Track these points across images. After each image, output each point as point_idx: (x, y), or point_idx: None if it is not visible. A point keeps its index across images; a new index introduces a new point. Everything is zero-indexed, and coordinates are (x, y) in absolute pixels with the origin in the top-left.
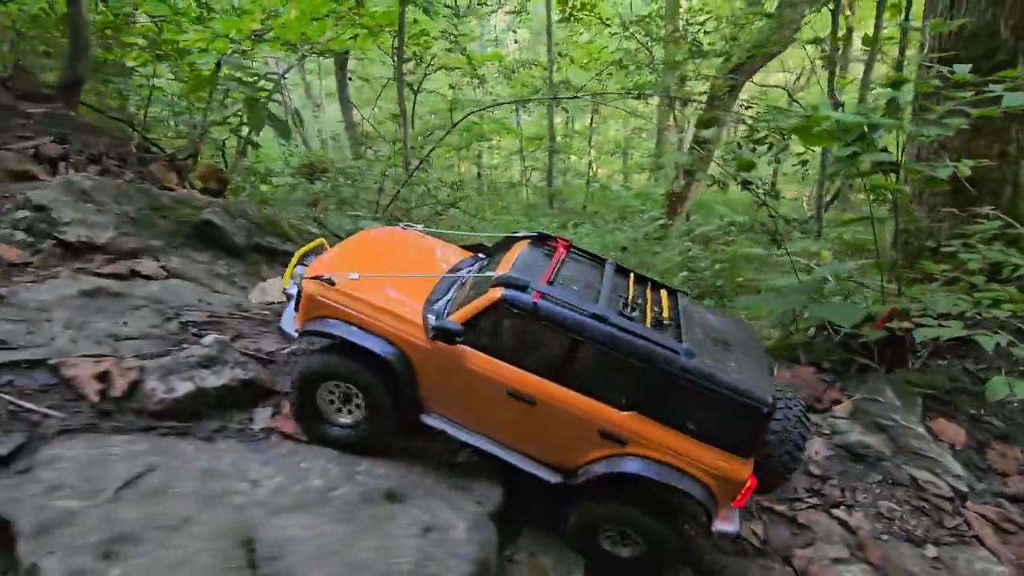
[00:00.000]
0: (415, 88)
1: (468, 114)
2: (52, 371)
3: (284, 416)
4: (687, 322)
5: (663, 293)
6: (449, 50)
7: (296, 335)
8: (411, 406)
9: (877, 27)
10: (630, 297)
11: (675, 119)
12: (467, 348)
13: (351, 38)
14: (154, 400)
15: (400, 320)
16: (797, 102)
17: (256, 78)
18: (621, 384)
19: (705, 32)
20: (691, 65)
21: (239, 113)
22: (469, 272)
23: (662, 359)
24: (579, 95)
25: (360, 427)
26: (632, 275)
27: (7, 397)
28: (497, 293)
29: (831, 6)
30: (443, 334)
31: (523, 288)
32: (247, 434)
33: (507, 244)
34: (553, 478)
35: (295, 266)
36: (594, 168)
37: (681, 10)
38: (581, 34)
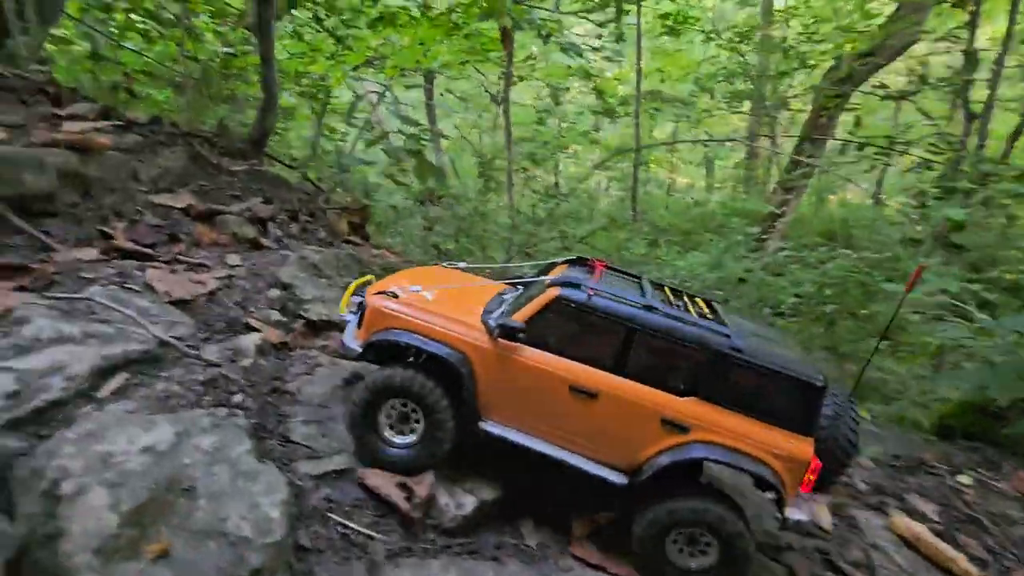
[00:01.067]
0: (498, 99)
1: (640, 148)
2: (357, 482)
3: (573, 536)
4: (728, 319)
5: (700, 300)
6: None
7: (360, 349)
8: (470, 414)
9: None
10: (671, 300)
11: (773, 129)
12: (528, 347)
13: (462, 63)
14: (448, 516)
15: (462, 325)
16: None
17: (419, 127)
18: (678, 370)
19: (809, 39)
20: (792, 75)
21: (395, 159)
22: (516, 292)
23: (714, 341)
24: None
25: (417, 446)
26: (667, 287)
27: (335, 517)
28: (554, 292)
29: (970, 7)
30: (507, 331)
31: (577, 286)
32: (525, 552)
33: (547, 270)
34: (618, 479)
35: (350, 296)
36: (675, 179)
37: (777, 14)
38: (670, 44)
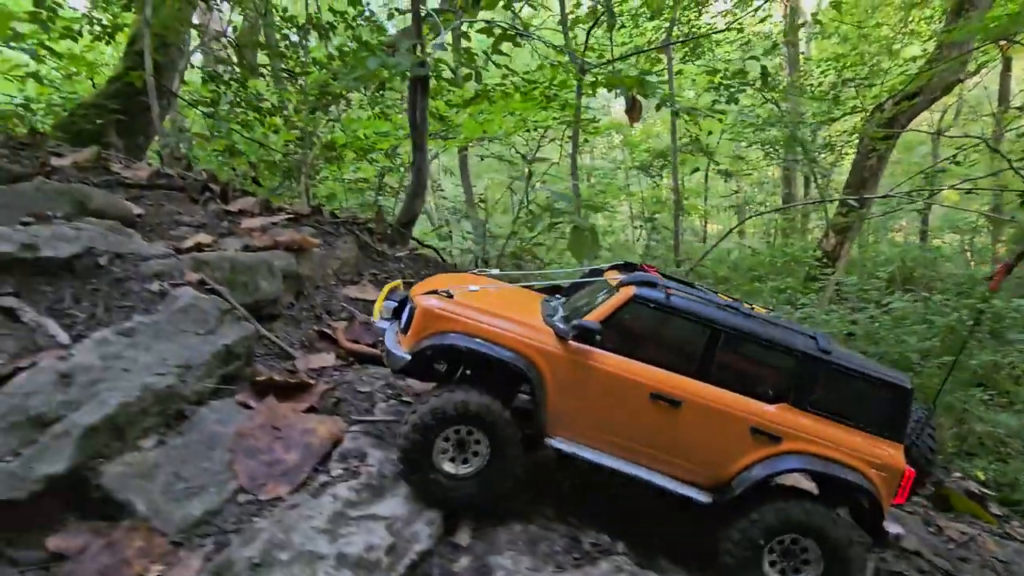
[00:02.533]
0: (528, 159)
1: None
2: None
3: None
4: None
5: (760, 308)
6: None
7: (408, 357)
8: (537, 429)
9: None
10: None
11: (814, 174)
12: (603, 352)
13: (526, 130)
14: None
15: (527, 328)
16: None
17: (574, 201)
18: (765, 375)
19: (844, 82)
20: (833, 120)
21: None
22: (560, 303)
23: (802, 344)
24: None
25: (479, 477)
26: (722, 294)
27: None
28: (630, 291)
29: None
30: (582, 333)
31: (653, 285)
32: None
33: (591, 275)
34: (704, 497)
35: (384, 300)
36: (708, 225)
37: (803, 60)
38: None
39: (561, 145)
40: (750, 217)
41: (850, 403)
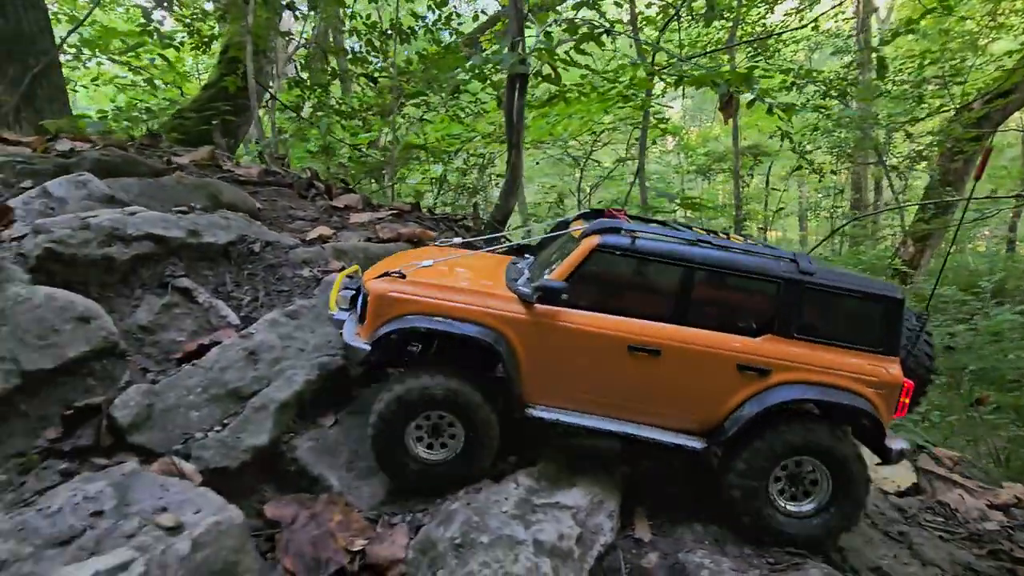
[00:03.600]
0: (581, 163)
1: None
2: None
3: None
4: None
5: (737, 237)
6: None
7: (368, 347)
8: (513, 402)
9: None
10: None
11: (889, 178)
12: (572, 311)
13: (593, 133)
14: None
15: (489, 297)
16: None
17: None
18: (745, 308)
19: (924, 80)
20: (913, 121)
21: None
22: (528, 264)
23: (782, 269)
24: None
25: (455, 460)
26: (696, 228)
27: None
28: (592, 241)
29: None
30: (547, 293)
31: (616, 231)
32: None
33: (558, 228)
34: (697, 444)
35: (339, 291)
36: (769, 232)
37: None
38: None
39: (620, 149)
40: (848, 223)
41: (839, 323)
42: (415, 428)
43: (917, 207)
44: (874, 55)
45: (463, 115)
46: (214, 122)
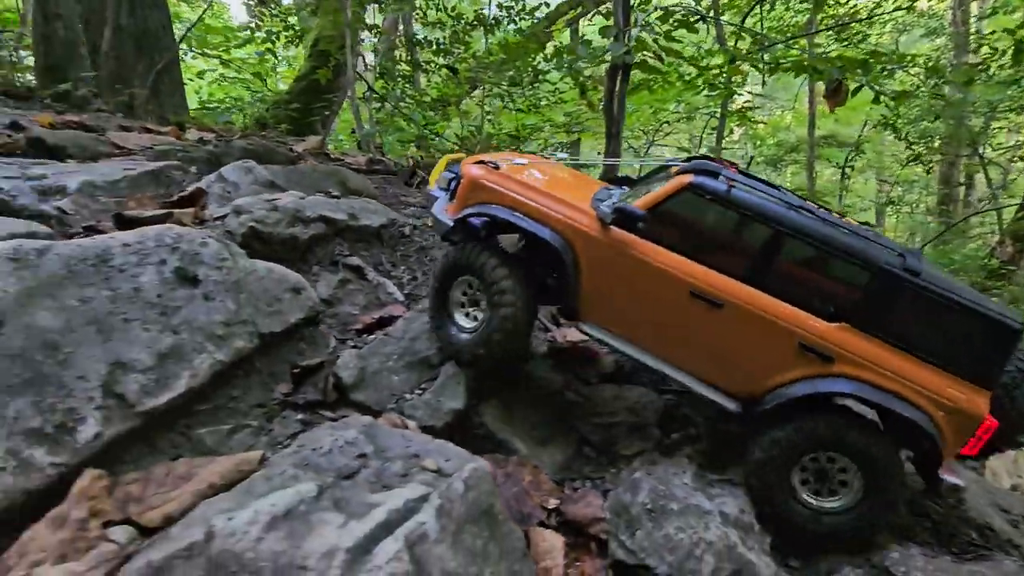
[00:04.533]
0: (641, 154)
1: None
2: None
3: None
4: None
5: (854, 221)
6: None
7: (451, 223)
8: (568, 310)
9: None
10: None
11: (986, 171)
12: (646, 241)
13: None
14: None
15: (569, 207)
16: None
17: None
18: (829, 289)
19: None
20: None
21: None
22: (621, 191)
23: (883, 259)
24: None
25: (480, 331)
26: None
27: None
28: (685, 178)
29: None
30: (624, 218)
31: (715, 175)
32: None
33: (661, 172)
34: (731, 405)
35: (442, 171)
36: None
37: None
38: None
39: (681, 138)
40: (964, 219)
41: (932, 335)
42: (460, 294)
43: (1020, 205)
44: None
45: (541, 104)
46: (326, 113)
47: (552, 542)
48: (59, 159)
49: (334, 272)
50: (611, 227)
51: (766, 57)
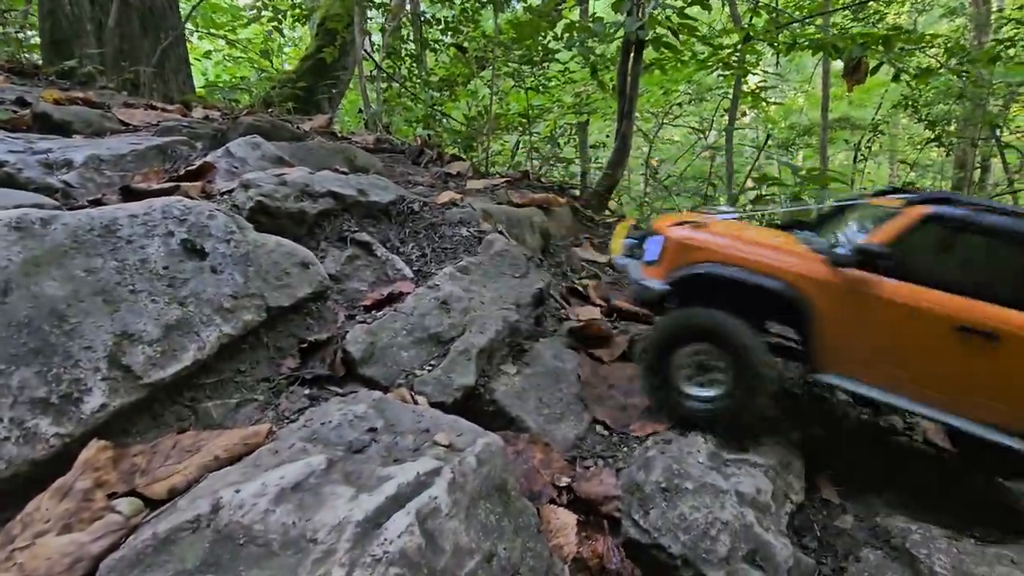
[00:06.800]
0: (650, 137)
1: None
2: None
3: None
4: None
5: None
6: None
7: (662, 287)
8: (809, 363)
9: None
10: None
11: (1002, 155)
12: (887, 280)
13: (675, 104)
14: None
15: (792, 255)
16: None
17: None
18: None
19: None
20: None
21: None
22: (812, 235)
23: None
24: None
25: (721, 400)
26: None
27: None
28: (923, 209)
29: None
30: (867, 257)
31: (949, 202)
32: None
33: (843, 210)
34: (1017, 444)
35: (623, 238)
36: None
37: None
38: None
39: (691, 121)
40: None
41: None
42: (682, 359)
43: None
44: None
45: (550, 85)
46: (333, 91)
47: (564, 520)
48: (65, 134)
49: (342, 248)
50: (846, 269)
51: (782, 36)
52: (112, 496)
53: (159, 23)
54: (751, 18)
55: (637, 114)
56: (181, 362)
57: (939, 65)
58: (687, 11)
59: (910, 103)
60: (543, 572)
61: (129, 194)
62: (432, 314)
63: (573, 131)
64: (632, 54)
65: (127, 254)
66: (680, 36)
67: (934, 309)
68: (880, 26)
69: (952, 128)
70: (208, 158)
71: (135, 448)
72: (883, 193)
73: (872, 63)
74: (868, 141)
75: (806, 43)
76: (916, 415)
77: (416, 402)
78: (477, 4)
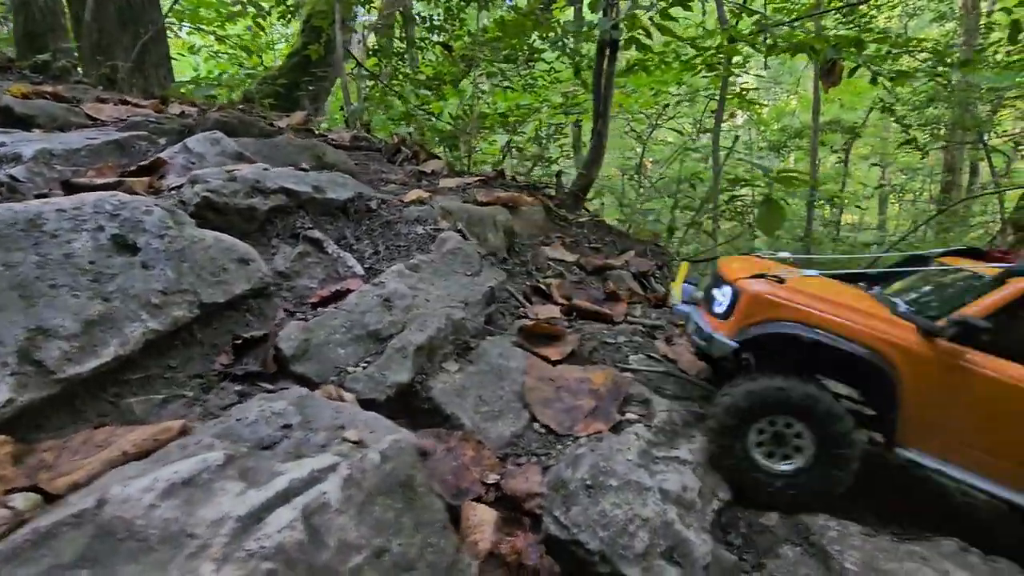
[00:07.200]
0: (643, 138)
1: None
2: None
3: None
4: None
5: None
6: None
7: (734, 344)
8: (887, 436)
9: None
10: None
11: (989, 159)
12: (986, 355)
13: (665, 105)
14: None
15: (879, 321)
16: None
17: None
18: None
19: None
20: None
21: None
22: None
23: None
24: None
25: (803, 475)
26: None
27: None
28: None
29: None
30: (966, 330)
31: None
32: None
33: (916, 263)
34: None
35: (682, 283)
36: (844, 215)
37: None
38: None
39: (684, 123)
40: (946, 209)
41: None
42: (756, 434)
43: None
44: (1010, 17)
45: (536, 85)
46: (310, 88)
47: (483, 516)
48: (26, 128)
49: (293, 245)
50: (938, 340)
51: (762, 38)
52: (11, 492)
53: (139, 17)
54: (737, 20)
55: (630, 115)
56: (100, 358)
57: (915, 69)
58: (670, 11)
59: (887, 106)
60: (444, 567)
61: (70, 188)
62: (373, 311)
63: (560, 130)
64: (607, 54)
65: (50, 248)
66: (658, 37)
67: None
68: (871, 27)
69: (942, 132)
70: (164, 154)
71: (46, 444)
72: (951, 253)
73: (851, 66)
74: (848, 143)
75: (785, 45)
76: (1018, 507)
77: (342, 399)
78: (462, 3)
